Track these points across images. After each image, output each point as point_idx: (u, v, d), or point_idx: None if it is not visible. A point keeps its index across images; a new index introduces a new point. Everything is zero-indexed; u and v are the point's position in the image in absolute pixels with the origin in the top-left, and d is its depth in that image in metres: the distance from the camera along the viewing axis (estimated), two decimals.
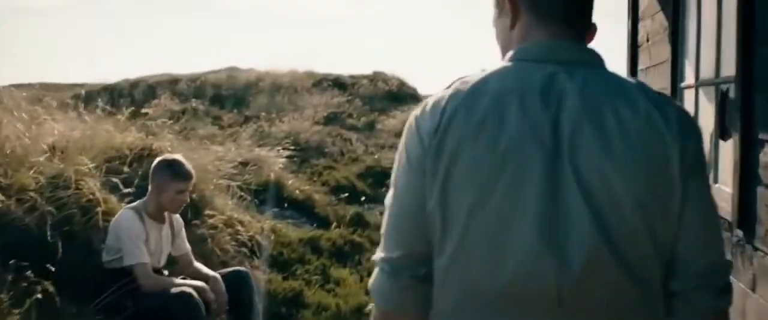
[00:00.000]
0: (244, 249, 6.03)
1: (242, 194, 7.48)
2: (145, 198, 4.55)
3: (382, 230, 1.46)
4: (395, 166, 1.45)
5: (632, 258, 1.31)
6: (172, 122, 8.91)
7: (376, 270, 1.48)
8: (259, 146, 9.84)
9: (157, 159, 4.58)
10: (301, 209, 8.51)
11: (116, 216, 4.48)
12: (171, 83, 23.29)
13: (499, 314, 1.33)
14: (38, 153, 4.99)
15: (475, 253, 1.33)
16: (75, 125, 6.29)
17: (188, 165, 4.55)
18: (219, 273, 4.80)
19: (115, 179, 5.13)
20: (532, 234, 1.29)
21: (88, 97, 21.15)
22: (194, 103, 17.23)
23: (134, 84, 23.85)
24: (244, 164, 8.67)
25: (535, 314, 1.32)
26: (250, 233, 6.49)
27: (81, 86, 24.36)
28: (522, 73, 1.38)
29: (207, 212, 6.11)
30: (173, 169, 4.47)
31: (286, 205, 8.27)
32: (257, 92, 21.60)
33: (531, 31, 1.44)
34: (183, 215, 5.92)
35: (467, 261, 1.34)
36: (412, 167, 1.38)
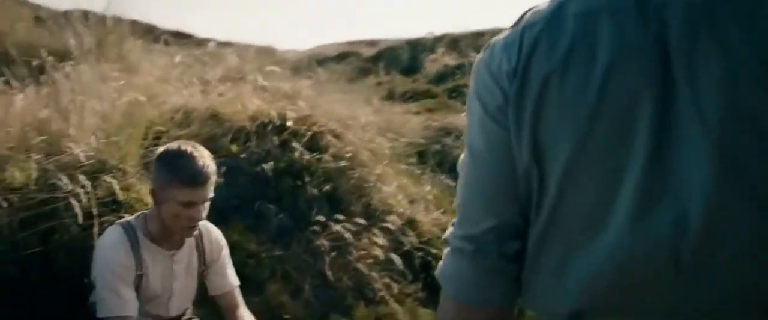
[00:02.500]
0: (388, 272, 4.13)
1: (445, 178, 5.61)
2: (148, 210, 2.89)
3: (458, 201, 1.22)
4: (468, 123, 1.19)
5: None
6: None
7: (448, 254, 1.23)
8: None
9: (160, 150, 2.87)
10: None
11: (99, 238, 2.88)
12: (474, 37, 21.93)
13: (604, 292, 1.08)
14: (84, 130, 3.58)
15: (572, 217, 1.09)
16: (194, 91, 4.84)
17: (205, 160, 2.73)
18: None
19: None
20: (638, 191, 1.03)
21: (387, 53, 20.65)
22: (472, 57, 15.44)
23: (439, 38, 22.86)
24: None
25: (647, 289, 1.06)
26: (423, 240, 4.59)
27: (387, 41, 24.02)
28: None
29: (345, 210, 4.32)
30: (175, 166, 2.69)
31: None
32: None
33: None
34: (303, 217, 4.24)
35: (564, 227, 1.10)
36: (491, 120, 1.13)
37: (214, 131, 4.37)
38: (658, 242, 1.03)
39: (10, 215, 2.91)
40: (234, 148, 4.29)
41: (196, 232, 2.83)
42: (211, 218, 3.82)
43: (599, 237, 1.06)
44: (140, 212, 2.87)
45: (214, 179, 2.75)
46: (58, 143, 3.40)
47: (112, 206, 3.22)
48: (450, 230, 1.24)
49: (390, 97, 10.08)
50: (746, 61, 0.99)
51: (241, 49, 9.29)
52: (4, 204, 2.92)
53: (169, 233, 2.78)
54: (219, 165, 4.04)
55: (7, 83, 4.01)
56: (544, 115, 1.08)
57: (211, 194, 2.76)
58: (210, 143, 4.21)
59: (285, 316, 3.56)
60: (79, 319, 2.74)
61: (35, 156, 3.25)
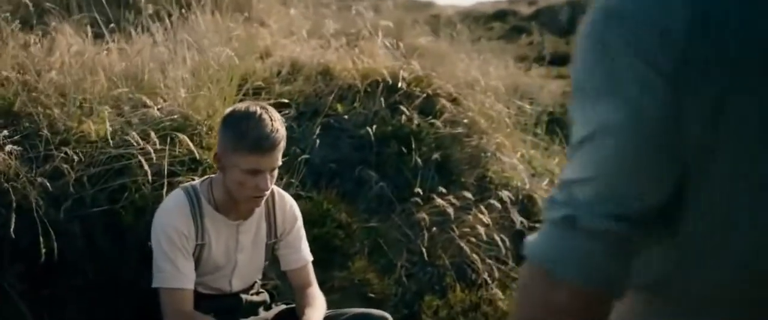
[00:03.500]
0: (493, 253, 3.74)
1: None
2: (216, 174, 2.66)
3: (591, 173, 0.99)
4: (610, 90, 0.97)
5: None
6: None
7: (569, 234, 1.00)
8: None
9: (227, 111, 2.62)
10: None
11: (161, 203, 2.68)
12: None
13: None
14: (176, 83, 3.40)
15: (755, 187, 0.96)
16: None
17: (274, 124, 2.45)
18: (342, 314, 2.75)
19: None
20: None
21: (545, 13, 19.78)
22: None
23: None
24: None
25: None
26: (537, 219, 4.17)
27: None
28: None
29: (456, 182, 3.96)
30: (240, 130, 2.43)
31: None
32: None
33: None
34: (406, 187, 3.90)
35: (741, 200, 0.97)
36: (650, 78, 0.94)
37: (320, 88, 4.11)
38: None
39: (79, 171, 2.77)
40: (339, 108, 4.01)
41: (262, 202, 2.57)
42: (305, 181, 3.60)
43: None
44: (207, 177, 2.64)
45: (282, 145, 2.46)
46: (146, 96, 3.24)
47: (191, 165, 3.03)
48: (565, 209, 1.03)
49: (539, 59, 9.56)
50: None
51: (383, 2, 9.02)
52: (75, 158, 2.78)
53: (234, 202, 2.53)
54: (319, 125, 3.82)
55: (114, 31, 3.90)
56: (740, 96, 0.93)
57: (279, 162, 2.49)
58: (314, 101, 3.98)
59: (371, 295, 3.28)
60: (144, 280, 2.57)
61: (117, 110, 3.10)
